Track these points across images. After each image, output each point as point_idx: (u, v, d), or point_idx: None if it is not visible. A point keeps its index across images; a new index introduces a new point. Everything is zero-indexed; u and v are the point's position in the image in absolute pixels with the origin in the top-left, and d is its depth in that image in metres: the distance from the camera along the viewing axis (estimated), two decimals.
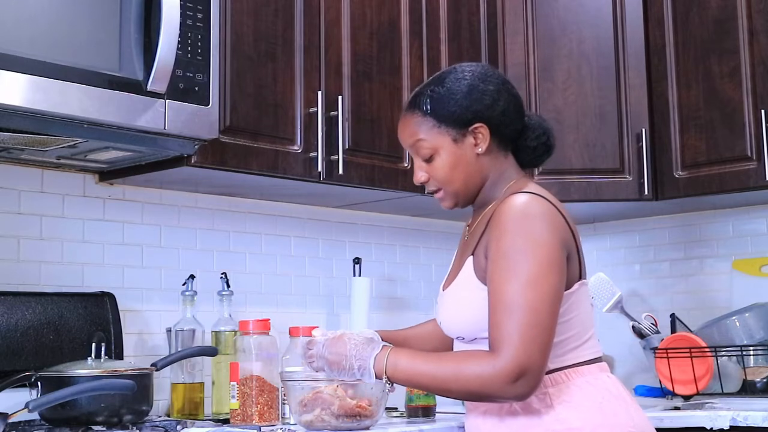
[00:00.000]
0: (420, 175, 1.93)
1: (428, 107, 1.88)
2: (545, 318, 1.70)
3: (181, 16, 2.06)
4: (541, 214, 1.77)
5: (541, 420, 1.76)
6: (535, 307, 1.69)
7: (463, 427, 2.26)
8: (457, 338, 1.89)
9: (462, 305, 1.85)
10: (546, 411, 1.76)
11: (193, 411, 2.44)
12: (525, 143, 1.93)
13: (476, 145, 1.87)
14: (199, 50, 2.14)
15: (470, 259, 1.84)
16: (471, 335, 1.83)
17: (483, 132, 1.87)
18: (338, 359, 1.81)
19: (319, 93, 2.52)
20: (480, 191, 1.92)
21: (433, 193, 1.96)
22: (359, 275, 2.96)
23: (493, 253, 1.76)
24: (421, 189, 2.77)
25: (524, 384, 1.68)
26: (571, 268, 1.80)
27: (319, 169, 2.50)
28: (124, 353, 2.38)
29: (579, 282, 1.82)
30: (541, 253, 1.72)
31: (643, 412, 1.88)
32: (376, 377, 1.80)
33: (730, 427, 2.46)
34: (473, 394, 1.75)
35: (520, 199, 1.78)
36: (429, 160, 1.90)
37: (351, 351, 1.80)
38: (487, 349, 1.75)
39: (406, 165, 2.74)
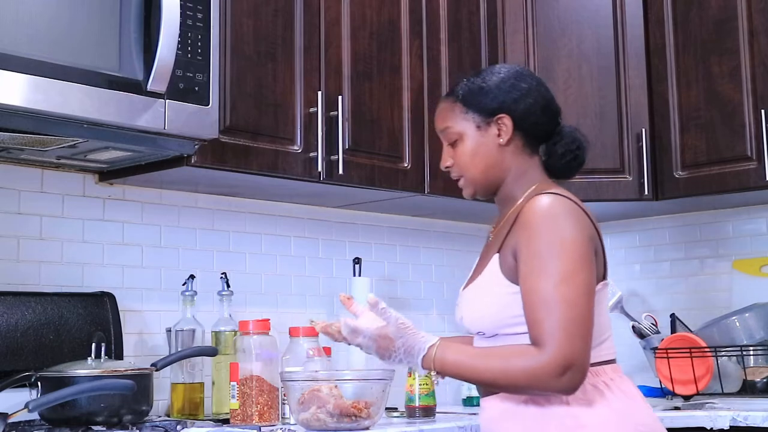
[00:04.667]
0: (445, 159, 1.99)
1: (460, 94, 1.96)
2: (583, 311, 1.74)
3: (181, 16, 2.06)
4: (568, 213, 1.82)
5: (554, 413, 1.79)
6: (572, 302, 1.73)
7: (463, 427, 2.27)
8: (477, 334, 1.91)
9: (486, 300, 1.87)
10: (559, 405, 1.79)
11: (193, 411, 2.44)
12: (554, 148, 1.97)
13: (499, 135, 1.92)
14: (199, 50, 2.14)
15: (496, 256, 1.86)
16: (492, 331, 1.85)
17: (506, 123, 1.91)
18: (386, 353, 1.82)
19: (319, 93, 2.52)
20: (501, 186, 1.96)
21: (456, 180, 2.00)
22: (359, 275, 2.96)
23: (524, 254, 1.79)
24: (421, 189, 2.79)
25: (571, 377, 1.71)
26: (597, 268, 1.84)
27: (319, 169, 2.50)
28: (124, 353, 2.38)
29: (602, 282, 1.85)
30: (572, 249, 1.77)
31: (654, 414, 1.91)
32: (425, 369, 1.83)
33: (730, 427, 2.46)
34: (520, 388, 1.78)
35: (545, 200, 1.83)
36: (454, 144, 1.96)
37: (399, 348, 1.80)
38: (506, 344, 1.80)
39: (406, 165, 2.74)
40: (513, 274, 1.82)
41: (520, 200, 1.91)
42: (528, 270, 1.78)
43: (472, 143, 1.93)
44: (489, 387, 1.84)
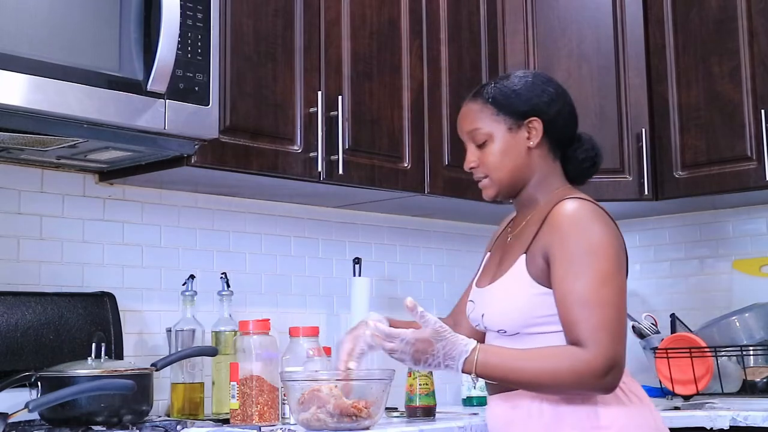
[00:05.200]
0: (470, 160, 2.00)
1: (490, 96, 1.97)
2: (621, 312, 1.79)
3: (181, 16, 2.06)
4: (598, 217, 1.86)
5: (570, 415, 1.81)
6: (612, 302, 1.77)
7: (463, 427, 2.27)
8: (498, 332, 1.92)
9: (511, 300, 1.89)
10: (575, 406, 1.81)
11: (193, 411, 2.44)
12: (574, 154, 2.01)
13: (528, 138, 1.95)
14: (199, 50, 2.14)
15: (523, 256, 1.89)
16: (514, 329, 1.88)
17: (537, 127, 1.95)
18: (423, 357, 1.80)
19: (319, 93, 2.52)
20: (524, 188, 1.98)
21: (478, 181, 2.01)
22: (359, 275, 2.96)
23: (558, 258, 1.82)
24: (421, 189, 2.78)
25: (614, 376, 1.76)
26: None
27: (319, 169, 2.50)
28: (124, 353, 2.38)
29: None
30: (606, 252, 1.81)
31: (661, 416, 1.95)
32: (465, 372, 1.83)
33: (730, 427, 2.46)
34: (565, 389, 1.80)
35: (574, 204, 1.87)
36: (482, 145, 1.97)
37: (438, 351, 1.79)
38: (527, 343, 1.83)
39: (406, 165, 2.74)
40: (542, 276, 1.84)
41: (542, 203, 1.94)
42: (564, 272, 1.80)
43: (502, 144, 1.95)
44: (530, 389, 1.84)
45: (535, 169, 1.97)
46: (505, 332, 1.90)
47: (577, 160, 2.01)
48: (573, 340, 1.77)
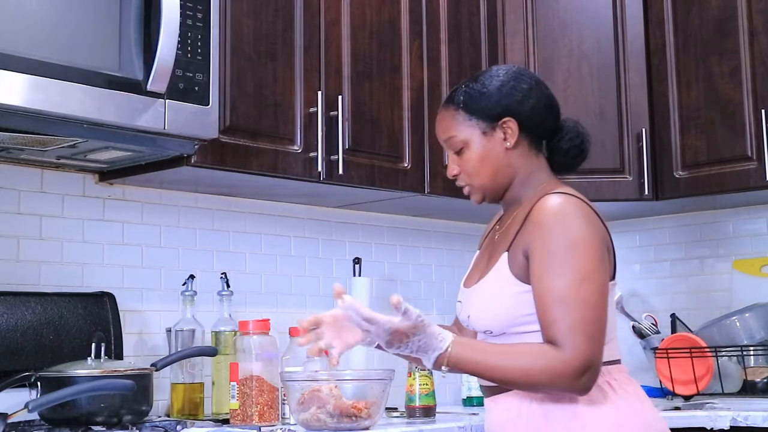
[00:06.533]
0: (452, 168, 1.98)
1: (461, 101, 1.94)
2: (601, 312, 1.75)
3: (181, 16, 2.06)
4: (580, 213, 1.82)
5: (560, 415, 1.79)
6: (591, 302, 1.74)
7: (463, 427, 2.27)
8: (484, 332, 1.91)
9: (495, 299, 1.87)
10: (565, 406, 1.79)
11: (193, 411, 2.44)
12: (558, 144, 1.97)
13: (505, 139, 1.92)
14: (199, 50, 2.14)
15: (505, 255, 1.86)
16: (500, 329, 1.86)
17: (512, 127, 1.91)
18: (397, 344, 1.77)
19: (319, 93, 2.52)
20: (509, 188, 1.95)
21: (462, 187, 1.99)
22: (359, 275, 2.96)
23: (538, 254, 1.79)
24: (421, 189, 2.78)
25: (589, 378, 1.73)
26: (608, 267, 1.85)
27: (319, 169, 2.50)
28: (124, 353, 2.38)
29: (611, 282, 1.85)
30: (587, 249, 1.77)
31: (658, 413, 1.92)
32: (436, 367, 1.80)
33: (731, 427, 2.46)
34: (539, 388, 1.78)
35: (556, 200, 1.83)
36: (460, 152, 1.95)
37: (414, 344, 1.76)
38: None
39: (406, 165, 2.74)
40: (523, 274, 1.82)
41: (527, 199, 1.91)
42: (543, 270, 1.77)
43: (479, 150, 1.92)
44: (504, 385, 1.83)
45: (518, 169, 1.93)
46: (492, 332, 1.88)
47: (562, 151, 1.97)
48: (549, 339, 1.74)
